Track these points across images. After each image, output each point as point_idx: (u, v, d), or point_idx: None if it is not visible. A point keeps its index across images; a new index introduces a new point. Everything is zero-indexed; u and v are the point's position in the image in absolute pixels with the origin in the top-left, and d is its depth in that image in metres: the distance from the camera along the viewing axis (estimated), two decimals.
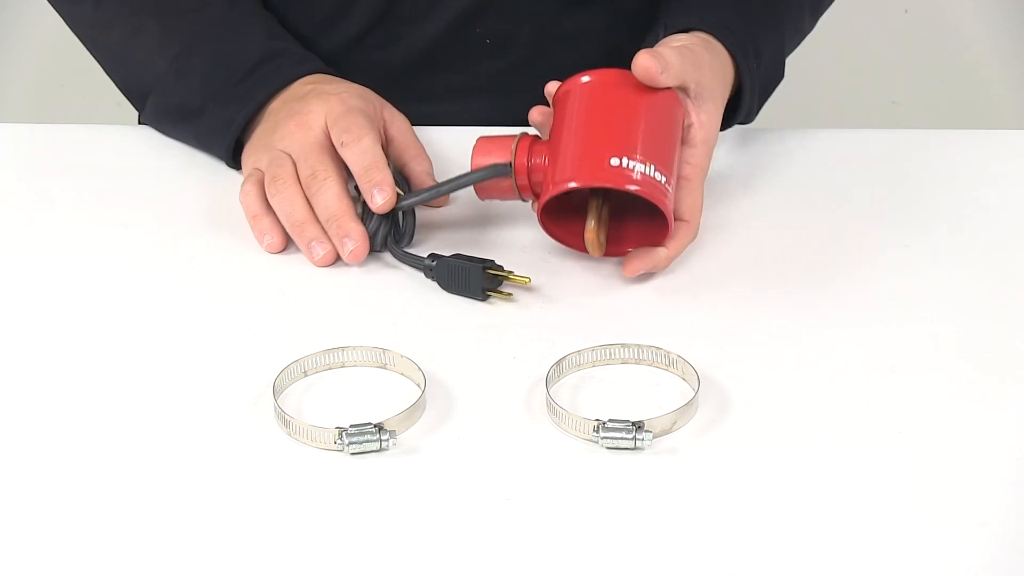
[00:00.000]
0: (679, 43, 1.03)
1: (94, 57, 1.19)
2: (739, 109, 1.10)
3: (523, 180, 1.00)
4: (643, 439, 0.84)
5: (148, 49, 1.15)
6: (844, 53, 2.35)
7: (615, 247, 1.00)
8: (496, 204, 1.07)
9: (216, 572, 0.77)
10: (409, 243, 1.04)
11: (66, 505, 0.81)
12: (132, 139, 1.19)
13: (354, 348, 0.92)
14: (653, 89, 0.99)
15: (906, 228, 1.07)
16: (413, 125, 1.11)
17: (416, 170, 1.07)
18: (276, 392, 0.88)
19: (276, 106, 1.09)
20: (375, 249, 1.02)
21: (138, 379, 0.91)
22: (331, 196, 1.02)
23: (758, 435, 0.86)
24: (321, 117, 1.05)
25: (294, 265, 1.03)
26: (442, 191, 1.04)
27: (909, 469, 0.83)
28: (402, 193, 1.03)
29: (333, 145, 1.04)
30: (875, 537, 0.78)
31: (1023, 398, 0.89)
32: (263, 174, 1.05)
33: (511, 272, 0.98)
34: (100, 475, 0.83)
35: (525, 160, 1.00)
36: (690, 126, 1.01)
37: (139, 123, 1.20)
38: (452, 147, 1.12)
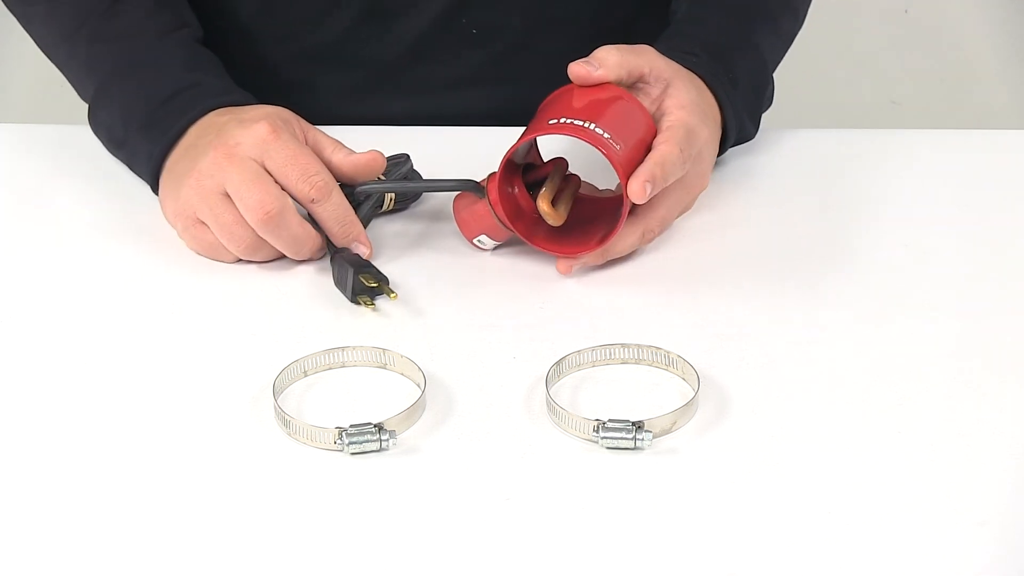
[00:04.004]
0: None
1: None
2: (727, 131, 1.09)
3: (497, 201, 0.99)
4: (643, 439, 0.84)
5: (79, 74, 1.15)
6: (844, 53, 2.35)
7: (580, 246, 1.00)
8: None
9: (216, 572, 0.77)
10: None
11: (65, 505, 0.81)
12: None
13: (354, 348, 0.92)
14: (601, 87, 1.02)
15: (906, 228, 1.07)
16: (404, 120, 1.12)
17: (337, 157, 1.04)
18: (276, 392, 0.88)
19: (191, 140, 1.05)
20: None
21: (138, 379, 0.91)
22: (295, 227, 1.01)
23: (758, 435, 0.86)
24: (254, 149, 1.00)
25: (294, 266, 1.03)
26: (408, 188, 1.05)
27: (909, 469, 0.83)
28: (377, 181, 1.04)
29: (267, 171, 1.00)
30: (875, 537, 0.78)
31: (1023, 398, 0.89)
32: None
33: (382, 284, 0.98)
34: (100, 475, 0.83)
35: (496, 184, 1.00)
36: (663, 116, 1.02)
37: None
38: (440, 146, 1.13)
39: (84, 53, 1.14)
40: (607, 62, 1.02)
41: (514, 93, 1.11)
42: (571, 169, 1.04)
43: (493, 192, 0.99)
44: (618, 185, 1.01)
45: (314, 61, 1.16)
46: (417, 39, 1.22)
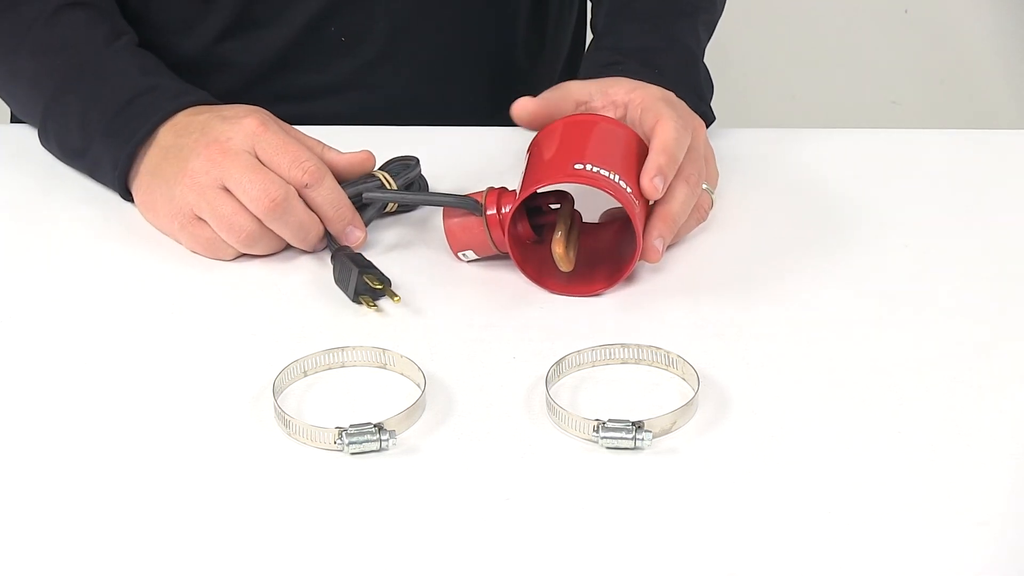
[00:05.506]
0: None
1: None
2: None
3: (494, 221, 0.99)
4: (643, 439, 0.84)
5: (26, 89, 1.14)
6: (844, 53, 2.35)
7: (587, 286, 0.99)
8: None
9: (216, 572, 0.77)
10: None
11: (65, 505, 0.81)
12: None
13: (354, 348, 0.92)
14: (608, 119, 1.02)
15: (906, 228, 1.07)
16: None
17: (330, 155, 1.04)
18: (276, 392, 0.88)
19: (168, 141, 1.05)
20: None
21: (139, 379, 0.91)
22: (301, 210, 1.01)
23: (758, 435, 0.86)
24: (245, 141, 1.01)
25: (294, 265, 1.03)
26: (409, 200, 1.05)
27: (909, 469, 0.83)
28: (387, 187, 1.04)
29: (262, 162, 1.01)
30: (875, 537, 0.78)
31: (1023, 398, 0.89)
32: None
33: (386, 286, 0.98)
34: (100, 474, 0.83)
35: (495, 202, 0.99)
36: (627, 107, 1.03)
37: None
38: (439, 145, 1.14)
39: (30, 66, 1.13)
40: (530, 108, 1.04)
41: (384, 100, 1.12)
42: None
43: (496, 227, 0.98)
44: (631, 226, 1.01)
45: (185, 69, 1.15)
46: (286, 47, 1.22)
